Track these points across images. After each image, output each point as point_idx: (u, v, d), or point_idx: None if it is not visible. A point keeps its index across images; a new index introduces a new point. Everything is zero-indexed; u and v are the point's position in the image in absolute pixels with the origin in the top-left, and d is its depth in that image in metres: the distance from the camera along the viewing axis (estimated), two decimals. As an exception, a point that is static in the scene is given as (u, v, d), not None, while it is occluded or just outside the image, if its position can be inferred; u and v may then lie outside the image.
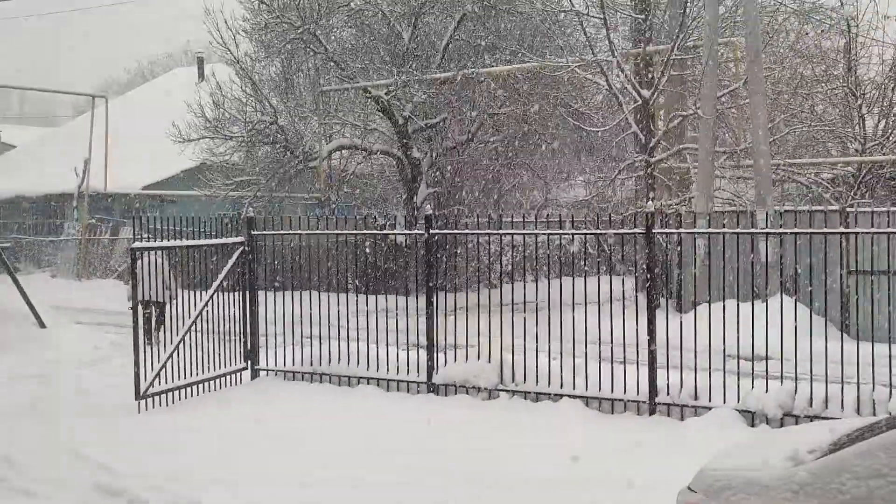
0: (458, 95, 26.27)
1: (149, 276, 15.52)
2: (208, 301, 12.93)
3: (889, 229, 10.65)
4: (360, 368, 12.97)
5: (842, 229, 11.49)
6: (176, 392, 12.43)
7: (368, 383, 12.85)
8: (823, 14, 25.13)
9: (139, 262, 15.30)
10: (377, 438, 10.26)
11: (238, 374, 13.60)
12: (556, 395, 11.55)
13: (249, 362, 13.79)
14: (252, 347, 13.81)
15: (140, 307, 16.12)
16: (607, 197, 26.23)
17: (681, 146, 22.25)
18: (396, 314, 12.97)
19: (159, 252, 13.69)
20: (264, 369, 13.80)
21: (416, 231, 13.29)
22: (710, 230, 12.53)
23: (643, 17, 22.85)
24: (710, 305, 11.62)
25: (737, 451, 5.08)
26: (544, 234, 12.80)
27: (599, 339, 11.46)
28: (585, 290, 12.01)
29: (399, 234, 14.10)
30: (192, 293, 12.92)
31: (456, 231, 13.36)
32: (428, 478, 8.73)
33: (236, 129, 27.35)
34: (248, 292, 13.82)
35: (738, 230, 11.45)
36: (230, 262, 13.53)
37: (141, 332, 12.34)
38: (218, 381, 13.16)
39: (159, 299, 16.41)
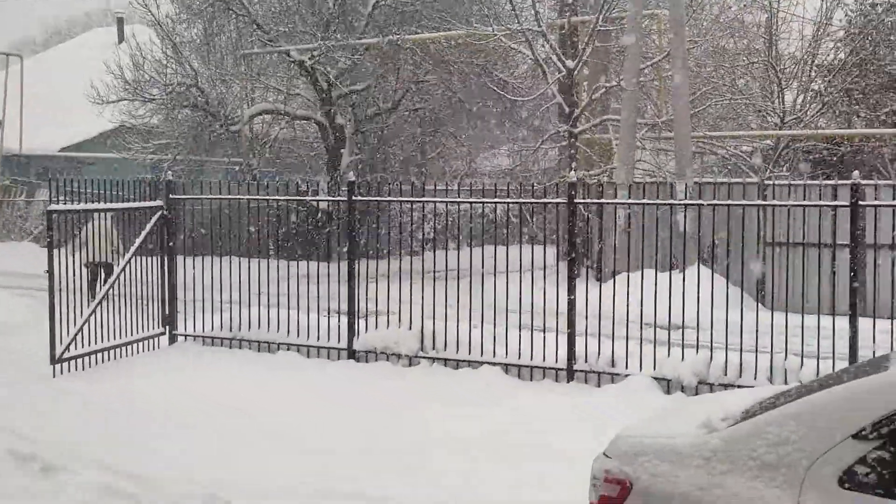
0: (382, 62, 26.11)
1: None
2: (125, 265, 12.75)
3: (804, 202, 10.87)
4: (280, 334, 12.88)
5: (759, 202, 11.68)
6: (92, 357, 12.23)
7: (289, 349, 12.77)
8: (746, -12, 25.46)
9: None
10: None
11: (156, 339, 13.42)
12: (476, 362, 11.59)
13: (168, 327, 13.61)
14: (170, 312, 13.63)
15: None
16: (530, 167, 26.35)
17: (604, 117, 22.42)
18: (318, 280, 12.90)
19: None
20: (183, 334, 13.63)
21: (338, 198, 13.21)
22: (630, 201, 12.66)
23: (569, -14, 22.89)
24: (628, 275, 11.74)
25: (652, 418, 5.14)
26: (467, 202, 12.82)
27: (520, 307, 11.52)
28: (507, 259, 12.04)
29: (321, 200, 13.97)
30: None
31: (378, 198, 13.28)
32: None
33: (156, 92, 26.93)
34: (166, 257, 13.63)
35: (657, 201, 11.58)
36: (148, 227, 13.32)
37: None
38: (136, 346, 12.98)
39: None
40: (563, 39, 23.03)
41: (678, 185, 17.37)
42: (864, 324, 10.17)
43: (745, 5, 25.67)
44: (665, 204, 11.57)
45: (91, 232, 15.74)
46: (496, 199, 12.38)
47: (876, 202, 10.66)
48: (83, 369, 11.99)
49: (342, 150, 26.41)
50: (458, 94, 26.98)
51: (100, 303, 12.29)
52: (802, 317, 10.34)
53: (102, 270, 16.56)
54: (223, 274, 13.33)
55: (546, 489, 7.50)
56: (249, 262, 13.21)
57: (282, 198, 14.16)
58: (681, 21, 19.03)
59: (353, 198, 12.66)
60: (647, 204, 11.85)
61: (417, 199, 12.98)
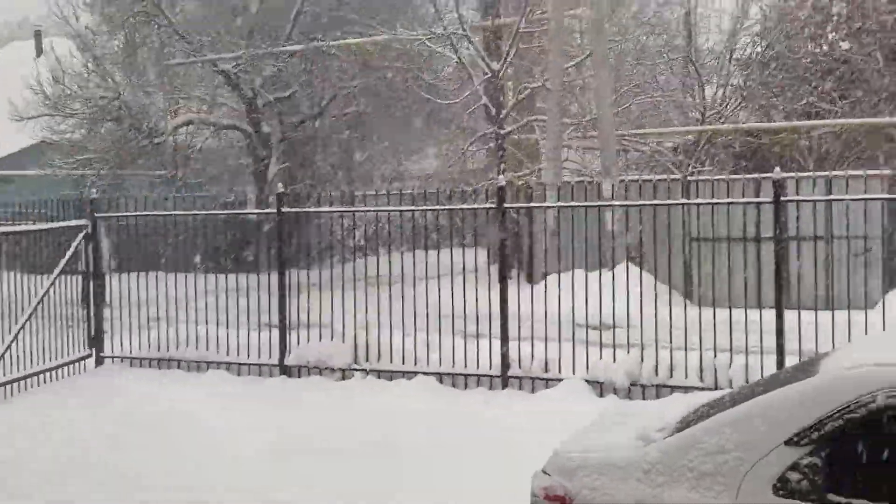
0: (308, 68, 25.95)
1: None
2: (50, 287, 12.47)
3: (728, 200, 11.02)
4: (210, 352, 12.66)
5: (684, 200, 11.83)
6: (13, 385, 11.78)
7: (219, 367, 12.56)
8: (665, -15, 25.79)
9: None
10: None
11: (82, 361, 13.11)
12: (410, 372, 11.55)
13: (94, 349, 13.34)
14: (97, 333, 13.36)
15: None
16: (458, 168, 26.36)
17: (530, 118, 22.52)
18: (248, 293, 12.76)
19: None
20: (110, 356, 13.35)
21: (268, 210, 13.09)
22: (560, 204, 12.71)
23: (491, -10, 22.95)
24: (559, 276, 11.80)
25: (588, 430, 5.17)
26: (397, 210, 12.79)
27: (453, 312, 11.51)
28: (438, 263, 12.03)
29: (250, 213, 13.85)
30: (33, 279, 12.43)
31: (308, 209, 13.21)
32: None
33: (78, 106, 26.47)
34: (92, 276, 13.37)
35: (585, 203, 11.69)
36: (73, 246, 13.04)
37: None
38: (60, 370, 12.61)
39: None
40: (487, 41, 23.11)
41: (605, 183, 17.52)
42: (789, 315, 10.32)
43: (663, 2, 25.97)
44: (594, 206, 11.68)
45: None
46: (426, 207, 12.39)
47: (798, 197, 10.85)
48: (5, 398, 11.60)
49: (269, 159, 26.18)
50: (384, 98, 26.90)
51: (22, 328, 11.97)
52: (730, 312, 10.47)
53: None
54: (151, 291, 13.13)
55: None
56: (177, 277, 13.03)
57: (209, 212, 14.00)
58: (601, 21, 19.18)
59: (283, 210, 12.56)
60: (577, 206, 11.96)
61: (347, 210, 12.93)
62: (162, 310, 13.06)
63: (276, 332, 12.41)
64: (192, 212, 13.68)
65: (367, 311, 11.98)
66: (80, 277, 13.19)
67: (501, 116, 21.45)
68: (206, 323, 12.82)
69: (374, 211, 12.61)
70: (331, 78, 26.21)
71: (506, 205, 11.62)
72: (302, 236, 15.85)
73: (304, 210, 13.25)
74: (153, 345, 13.05)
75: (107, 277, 13.57)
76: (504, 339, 11.20)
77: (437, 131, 28.63)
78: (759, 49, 24.52)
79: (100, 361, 13.36)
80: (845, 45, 22.83)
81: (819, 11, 23.65)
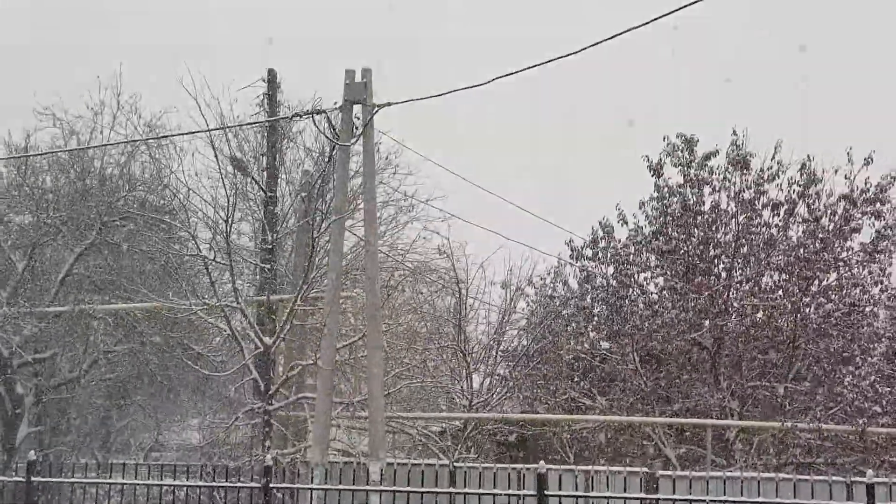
0: (71, 330, 25.16)
1: None
2: None
3: (492, 490, 11.22)
4: None
5: (450, 489, 11.90)
6: None
7: None
8: (437, 275, 26.95)
9: None
10: None
11: None
12: None
13: None
14: None
15: None
16: (222, 442, 25.68)
17: (299, 395, 22.39)
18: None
19: None
20: None
21: (15, 479, 12.31)
22: (326, 486, 12.56)
23: (269, 266, 23.24)
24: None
25: None
26: (158, 484, 12.32)
27: None
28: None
29: (-6, 479, 12.97)
30: None
31: (62, 479, 12.50)
32: None
33: None
34: None
35: (352, 487, 11.60)
36: None
37: None
38: None
39: None
40: (261, 316, 23.16)
41: (372, 466, 17.45)
42: None
43: (435, 291, 27.04)
44: (360, 490, 11.59)
45: None
46: (188, 483, 11.97)
47: (561, 493, 11.19)
48: None
49: (20, 423, 24.72)
50: (149, 365, 26.21)
51: None
52: None
53: None
54: None
55: None
56: None
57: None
58: (376, 305, 19.67)
59: (33, 479, 11.83)
60: (343, 490, 11.81)
61: (103, 482, 12.31)
62: None
63: None
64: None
65: None
66: None
67: (270, 392, 21.24)
68: None
69: (131, 484, 12.05)
70: (94, 341, 25.45)
71: (272, 485, 11.36)
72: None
73: (55, 480, 12.52)
74: None
75: None
76: None
77: (203, 402, 27.98)
78: (524, 342, 25.67)
79: None
80: (605, 345, 24.17)
81: (581, 311, 25.13)
